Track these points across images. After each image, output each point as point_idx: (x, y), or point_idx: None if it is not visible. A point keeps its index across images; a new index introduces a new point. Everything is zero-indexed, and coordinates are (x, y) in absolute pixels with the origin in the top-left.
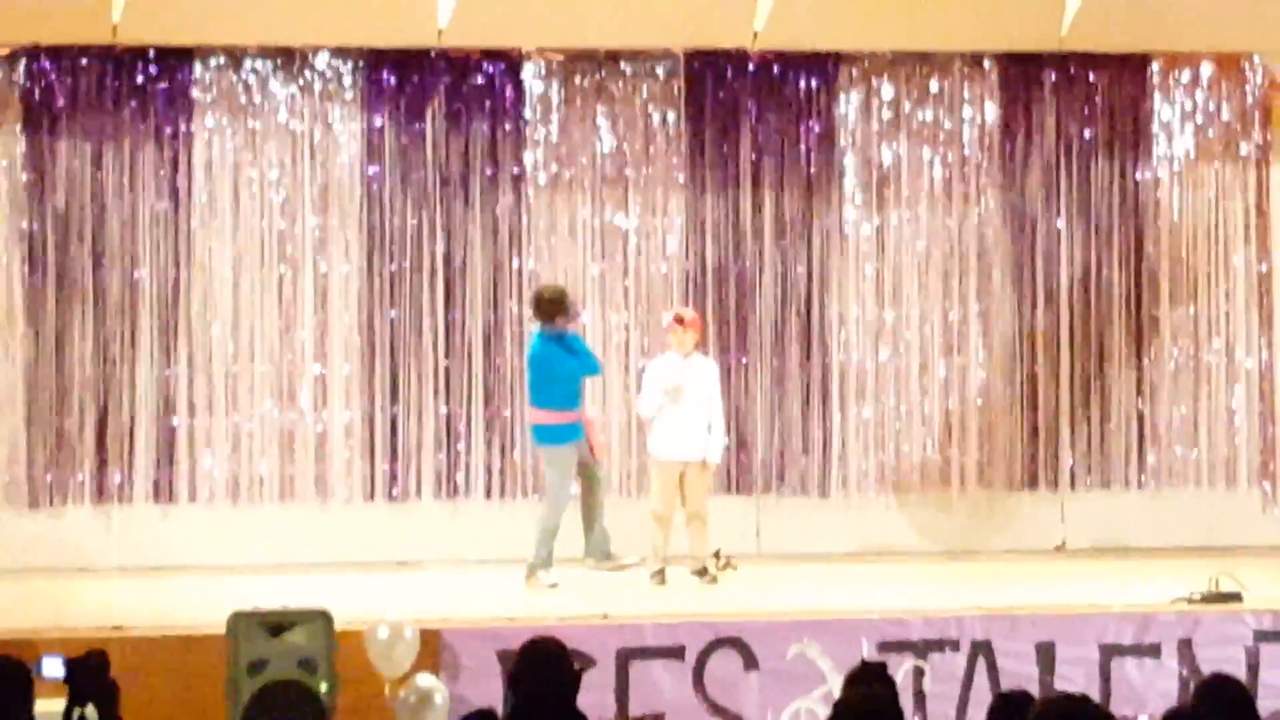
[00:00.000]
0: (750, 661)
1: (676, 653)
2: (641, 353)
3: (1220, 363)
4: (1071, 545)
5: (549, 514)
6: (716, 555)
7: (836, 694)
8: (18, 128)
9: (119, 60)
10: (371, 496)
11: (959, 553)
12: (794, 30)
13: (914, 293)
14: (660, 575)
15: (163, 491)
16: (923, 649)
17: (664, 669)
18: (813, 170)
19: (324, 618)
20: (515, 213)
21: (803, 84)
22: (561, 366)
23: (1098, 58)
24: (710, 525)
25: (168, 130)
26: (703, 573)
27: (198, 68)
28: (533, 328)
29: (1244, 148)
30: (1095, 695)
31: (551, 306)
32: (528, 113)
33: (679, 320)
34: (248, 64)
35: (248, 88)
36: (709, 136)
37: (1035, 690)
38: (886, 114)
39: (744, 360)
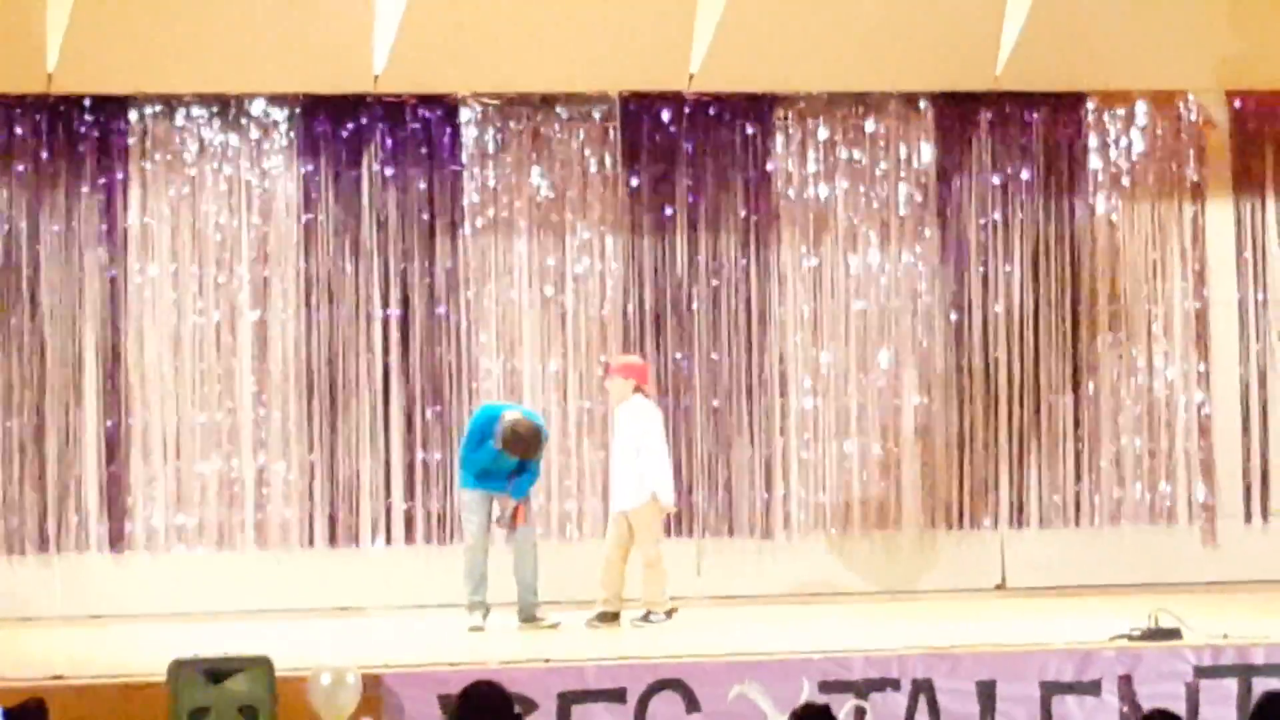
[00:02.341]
0: (692, 703)
1: (618, 695)
2: (580, 396)
3: (1158, 400)
4: (1011, 583)
5: (464, 556)
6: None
7: None
8: None
9: (54, 109)
10: (311, 542)
11: (899, 592)
12: (729, 72)
13: (852, 332)
14: (606, 617)
15: (103, 540)
16: (864, 689)
17: (605, 712)
18: (749, 211)
19: (265, 664)
20: (452, 257)
21: (738, 126)
22: (489, 450)
23: (1033, 97)
24: (660, 570)
25: (104, 178)
26: (645, 619)
27: (133, 116)
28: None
29: (1179, 185)
30: None
31: (519, 447)
32: (464, 157)
33: (605, 368)
34: (183, 112)
35: (184, 135)
36: (645, 179)
37: None
38: (822, 154)
39: (684, 402)
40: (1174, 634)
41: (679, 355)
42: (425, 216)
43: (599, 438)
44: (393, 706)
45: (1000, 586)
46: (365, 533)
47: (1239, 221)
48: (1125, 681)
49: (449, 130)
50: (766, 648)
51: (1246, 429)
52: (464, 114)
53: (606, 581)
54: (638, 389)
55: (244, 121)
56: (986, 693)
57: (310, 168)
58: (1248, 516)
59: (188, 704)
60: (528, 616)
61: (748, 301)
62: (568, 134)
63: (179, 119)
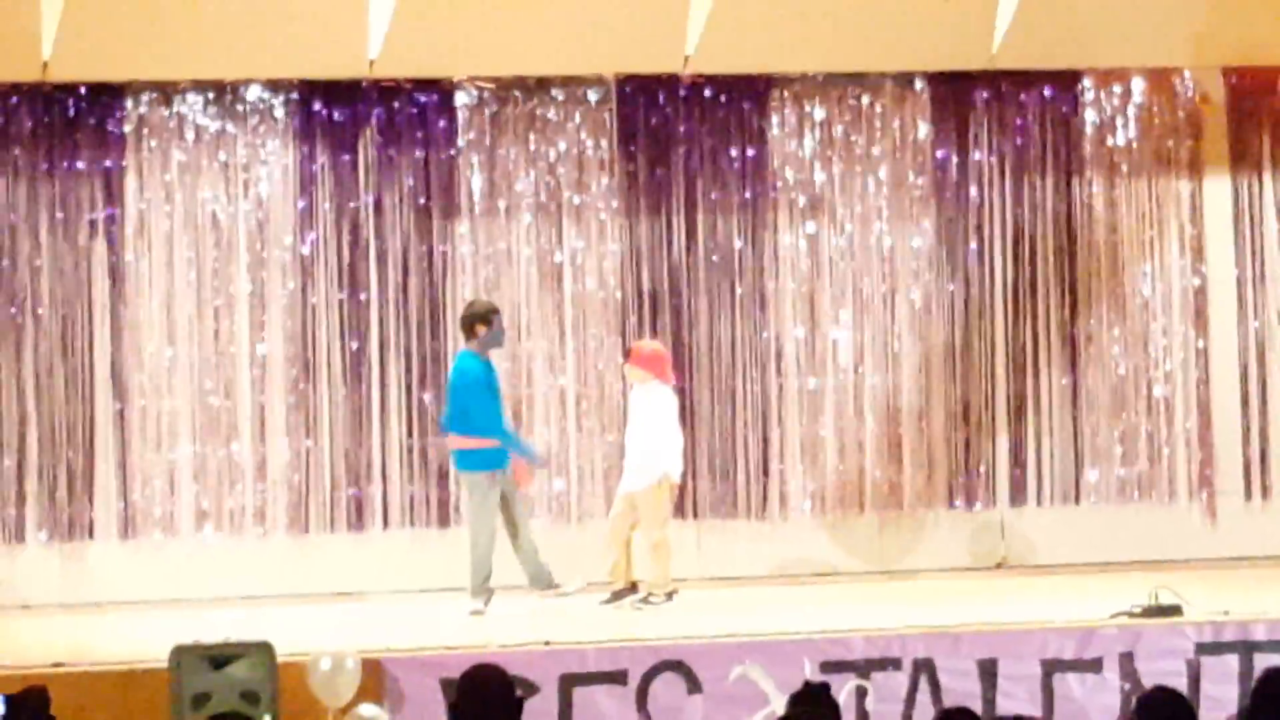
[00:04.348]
0: (693, 684)
1: (619, 677)
2: (578, 380)
3: (1157, 376)
4: (1011, 562)
5: (472, 543)
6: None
7: (780, 715)
8: None
9: (50, 97)
10: (310, 527)
11: (899, 572)
12: (725, 54)
13: (849, 312)
14: (620, 594)
15: (104, 527)
16: (865, 668)
17: (607, 694)
18: (746, 193)
19: (266, 650)
20: (449, 241)
21: (734, 107)
22: (483, 388)
23: (1029, 75)
24: (665, 552)
25: (100, 166)
26: (645, 600)
27: (129, 103)
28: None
29: (1176, 162)
30: (1037, 711)
31: (469, 320)
32: (460, 141)
33: (627, 352)
34: (179, 98)
35: (180, 122)
36: (642, 161)
37: (978, 708)
38: (819, 135)
39: (682, 384)
40: (1175, 611)
41: (677, 336)
42: (421, 200)
43: (598, 421)
44: (394, 690)
45: (1000, 565)
46: (365, 517)
47: (1236, 198)
48: (1126, 659)
49: (445, 114)
50: (767, 628)
51: (1245, 405)
52: (460, 98)
53: (611, 560)
54: (658, 375)
55: (240, 108)
56: (988, 671)
57: (306, 153)
58: (1247, 493)
59: (189, 690)
60: (546, 584)
61: (745, 282)
62: (563, 117)
63: (175, 106)
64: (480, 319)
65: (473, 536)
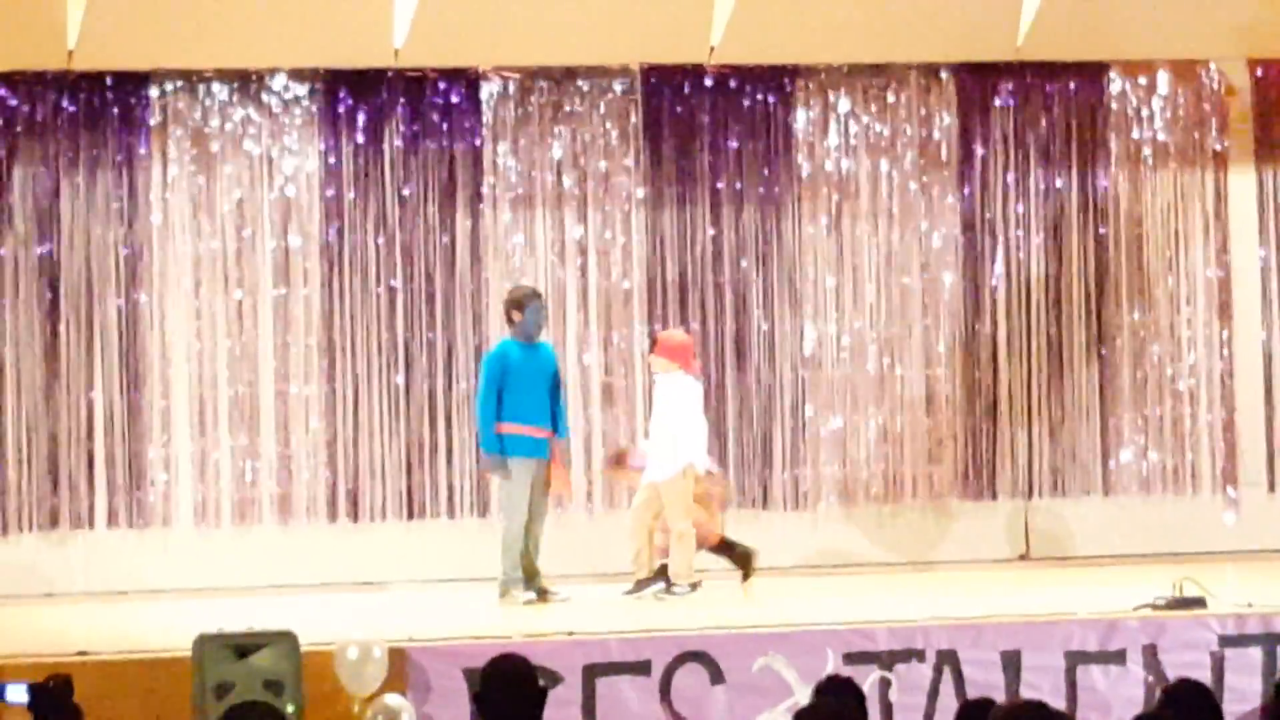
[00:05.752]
0: (717, 675)
1: (643, 668)
2: (602, 369)
3: (1181, 368)
4: (1035, 553)
5: (505, 528)
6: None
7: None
8: None
9: (75, 85)
10: (335, 517)
11: (922, 563)
12: (750, 44)
13: (874, 303)
14: (643, 584)
15: (127, 516)
16: (888, 660)
17: (630, 684)
18: (771, 183)
19: (290, 639)
20: (474, 231)
21: (760, 98)
22: (516, 375)
23: (1054, 67)
24: (689, 543)
25: (125, 154)
26: (669, 591)
27: (154, 92)
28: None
29: (1201, 154)
30: (1061, 703)
31: (507, 307)
32: (485, 131)
33: (652, 341)
34: (204, 88)
35: (205, 111)
36: (666, 152)
37: (1001, 699)
38: (843, 126)
39: (707, 374)
40: (1198, 603)
41: (701, 326)
42: (446, 190)
43: (623, 410)
44: (418, 680)
45: (1024, 557)
46: (388, 506)
47: (1261, 189)
48: (1150, 651)
49: (470, 104)
50: (791, 619)
51: (1269, 397)
52: (485, 88)
53: (634, 549)
54: (683, 366)
55: (265, 97)
56: (1011, 663)
57: (331, 143)
58: (1271, 485)
59: (213, 679)
60: (537, 587)
61: (770, 272)
62: (589, 107)
63: (200, 95)
64: (514, 305)
65: (505, 523)
